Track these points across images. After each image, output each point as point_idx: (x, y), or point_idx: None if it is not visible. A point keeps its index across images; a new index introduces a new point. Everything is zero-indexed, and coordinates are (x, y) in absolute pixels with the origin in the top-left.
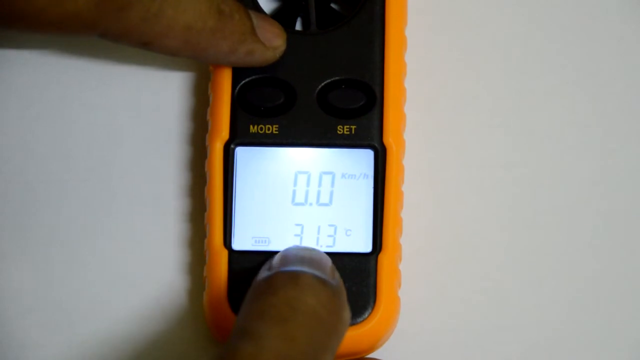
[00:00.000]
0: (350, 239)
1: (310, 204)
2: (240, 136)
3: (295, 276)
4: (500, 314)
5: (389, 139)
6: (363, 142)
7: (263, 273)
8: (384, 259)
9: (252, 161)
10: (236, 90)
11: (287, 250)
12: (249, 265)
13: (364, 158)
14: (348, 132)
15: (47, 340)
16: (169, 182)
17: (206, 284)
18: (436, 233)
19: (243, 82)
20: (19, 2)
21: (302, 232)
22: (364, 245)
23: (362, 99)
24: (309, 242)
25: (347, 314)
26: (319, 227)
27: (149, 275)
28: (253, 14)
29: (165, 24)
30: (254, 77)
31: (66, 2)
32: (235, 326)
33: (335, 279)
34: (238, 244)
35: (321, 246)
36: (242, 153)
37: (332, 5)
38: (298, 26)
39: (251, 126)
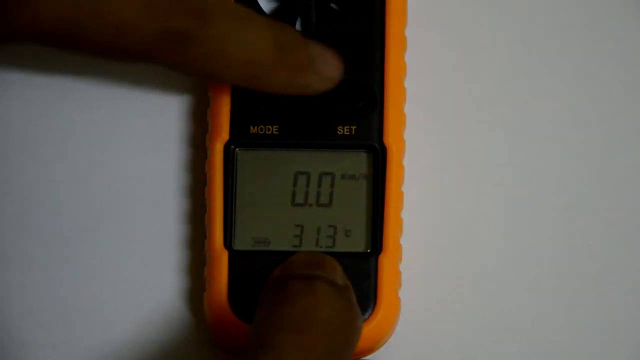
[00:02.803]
0: (350, 240)
1: (310, 205)
2: (240, 137)
3: (309, 285)
4: (501, 314)
5: (389, 139)
6: (363, 143)
7: (274, 279)
8: (384, 259)
9: (252, 162)
10: (236, 91)
11: (297, 255)
12: (249, 266)
13: (364, 158)
14: (348, 133)
15: (47, 340)
16: (169, 183)
17: (206, 285)
18: (436, 233)
19: None
20: (85, 32)
21: (302, 232)
22: (364, 245)
23: (362, 99)
24: (308, 242)
25: (360, 323)
26: (318, 228)
27: (149, 275)
28: (312, 44)
29: (226, 60)
30: None
31: (131, 35)
32: (250, 336)
33: (346, 284)
34: (239, 245)
35: (321, 247)
36: (242, 154)
37: (332, 5)
38: (298, 26)
39: (251, 127)
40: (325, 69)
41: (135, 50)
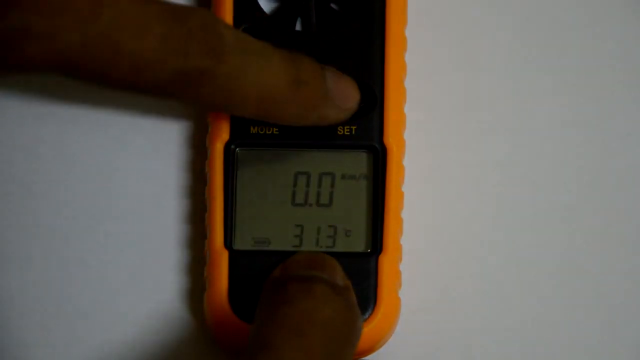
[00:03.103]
0: (350, 240)
1: (310, 205)
2: (240, 137)
3: (309, 286)
4: (501, 314)
5: (389, 139)
6: (363, 143)
7: (274, 280)
8: (384, 259)
9: (252, 162)
10: None
11: (297, 255)
12: (249, 266)
13: (364, 159)
14: (348, 133)
15: (47, 340)
16: (169, 183)
17: (207, 285)
18: (436, 233)
19: None
20: (101, 66)
21: (302, 232)
22: (364, 246)
23: (362, 99)
24: (309, 242)
25: (360, 324)
26: (319, 228)
27: (149, 275)
28: (329, 74)
29: (240, 96)
30: None
31: (147, 72)
32: (251, 338)
33: (346, 285)
34: (239, 244)
35: (321, 247)
36: (242, 154)
37: (333, 5)
38: (298, 26)
39: (251, 127)
40: (342, 100)
41: (150, 86)
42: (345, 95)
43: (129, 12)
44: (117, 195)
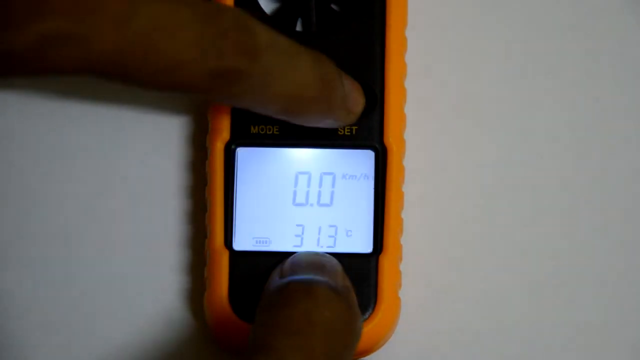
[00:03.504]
0: (351, 240)
1: (311, 205)
2: (241, 137)
3: (310, 288)
4: (501, 314)
5: (389, 139)
6: (364, 143)
7: (275, 281)
8: (384, 259)
9: (252, 162)
10: None
11: (297, 256)
12: (250, 266)
13: (364, 159)
14: (349, 133)
15: (47, 340)
16: (169, 183)
17: (207, 285)
18: (436, 233)
19: None
20: (138, 68)
21: (302, 232)
22: (364, 245)
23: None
24: (309, 242)
25: (360, 324)
26: (319, 228)
27: (149, 275)
28: (344, 77)
29: (269, 95)
30: None
31: (179, 73)
32: (251, 339)
33: (346, 285)
34: (239, 245)
35: (322, 247)
36: (242, 153)
37: (333, 6)
38: (298, 27)
39: (252, 127)
40: (353, 104)
41: (185, 86)
42: (355, 99)
43: (163, 13)
44: (117, 195)
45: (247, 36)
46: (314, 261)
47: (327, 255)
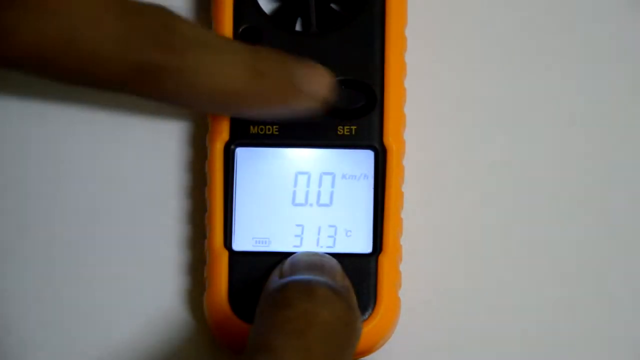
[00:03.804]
0: (350, 240)
1: (311, 205)
2: (240, 137)
3: (309, 288)
4: (500, 313)
5: (389, 139)
6: (363, 143)
7: (274, 282)
8: (384, 259)
9: (252, 162)
10: None
11: (296, 256)
12: (249, 266)
13: (364, 158)
14: (348, 133)
15: (47, 340)
16: (169, 183)
17: (206, 285)
18: (436, 233)
19: None
20: (59, 60)
21: (302, 232)
22: (364, 246)
23: (362, 99)
24: (309, 242)
25: (359, 325)
26: (319, 228)
27: (149, 275)
28: (297, 65)
29: (198, 90)
30: None
31: (101, 68)
32: (250, 339)
33: (346, 285)
34: (238, 245)
35: (321, 247)
36: (242, 153)
37: (333, 5)
38: (298, 27)
39: (251, 127)
40: (312, 87)
41: (108, 80)
42: (315, 83)
43: (85, 7)
44: (117, 195)
45: (169, 32)
46: (314, 261)
47: (327, 255)
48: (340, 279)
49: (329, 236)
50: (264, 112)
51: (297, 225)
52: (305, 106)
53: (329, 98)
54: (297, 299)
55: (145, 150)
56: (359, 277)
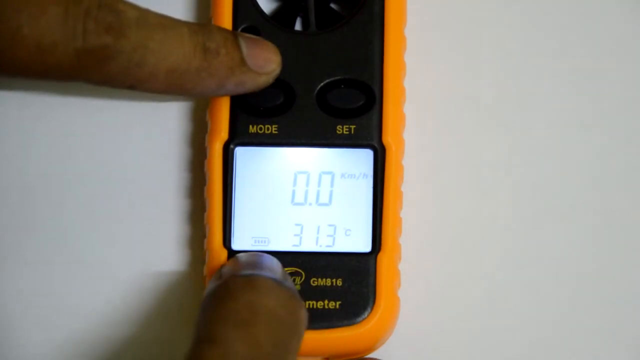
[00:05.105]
0: (349, 239)
1: (310, 204)
2: (239, 136)
3: (251, 280)
4: (500, 313)
5: (388, 138)
6: (362, 142)
7: (213, 283)
8: (383, 258)
9: (251, 161)
10: None
11: (235, 257)
12: None
13: (363, 158)
14: (347, 132)
15: (47, 340)
16: (168, 183)
17: (206, 284)
18: (436, 233)
19: None
20: (3, 54)
21: (301, 232)
22: (363, 245)
23: (362, 98)
24: (308, 242)
25: (304, 313)
26: (318, 227)
27: (148, 275)
28: (243, 41)
29: (147, 71)
30: None
31: (48, 56)
32: (195, 332)
33: (289, 280)
34: (237, 244)
35: (320, 246)
36: (241, 153)
37: (332, 5)
38: (298, 26)
39: (250, 126)
40: (259, 64)
41: (56, 70)
42: (262, 59)
43: None
44: (116, 195)
45: (111, 13)
46: (252, 260)
47: (268, 255)
48: (281, 273)
49: (328, 235)
50: (215, 90)
51: (297, 225)
52: (252, 82)
53: (277, 72)
54: (241, 291)
55: (145, 150)
56: (358, 276)
